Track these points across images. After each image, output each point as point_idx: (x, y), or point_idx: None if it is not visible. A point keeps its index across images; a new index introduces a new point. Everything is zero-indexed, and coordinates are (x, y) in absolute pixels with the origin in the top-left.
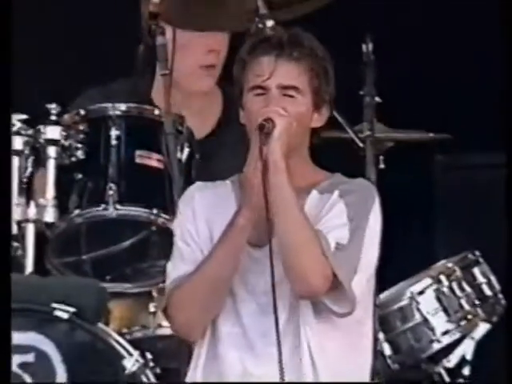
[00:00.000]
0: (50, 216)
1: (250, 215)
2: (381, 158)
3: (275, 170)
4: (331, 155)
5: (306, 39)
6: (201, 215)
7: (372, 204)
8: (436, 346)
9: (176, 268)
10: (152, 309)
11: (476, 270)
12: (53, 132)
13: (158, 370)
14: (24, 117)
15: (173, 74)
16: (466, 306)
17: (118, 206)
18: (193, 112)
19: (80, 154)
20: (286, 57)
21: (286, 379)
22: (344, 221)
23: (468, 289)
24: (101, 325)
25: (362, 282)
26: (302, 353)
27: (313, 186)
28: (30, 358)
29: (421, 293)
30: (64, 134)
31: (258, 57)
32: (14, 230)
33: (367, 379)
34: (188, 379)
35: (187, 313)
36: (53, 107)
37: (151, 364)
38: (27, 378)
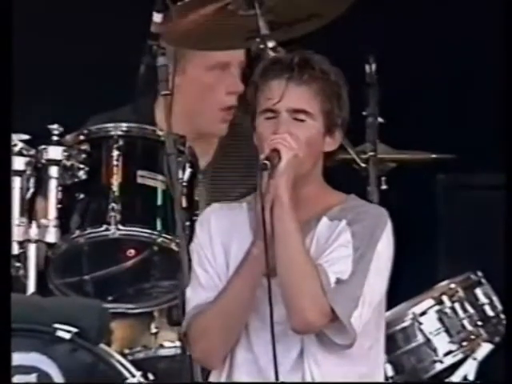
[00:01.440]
0: (51, 236)
1: (263, 245)
2: (383, 178)
3: (279, 203)
4: (333, 176)
5: (318, 62)
6: (217, 239)
7: (382, 232)
8: (438, 367)
9: (195, 294)
10: (154, 329)
11: (478, 291)
12: (54, 152)
13: None
14: (26, 137)
15: (190, 112)
16: (469, 327)
17: (120, 227)
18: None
19: (82, 174)
20: (296, 80)
21: None
22: (349, 252)
23: (470, 309)
24: (103, 345)
25: (364, 314)
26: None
27: (324, 212)
28: (32, 378)
29: (423, 313)
30: (66, 154)
31: (269, 80)
32: (16, 250)
33: None
34: None
35: (207, 341)
36: (54, 127)
37: None
38: None
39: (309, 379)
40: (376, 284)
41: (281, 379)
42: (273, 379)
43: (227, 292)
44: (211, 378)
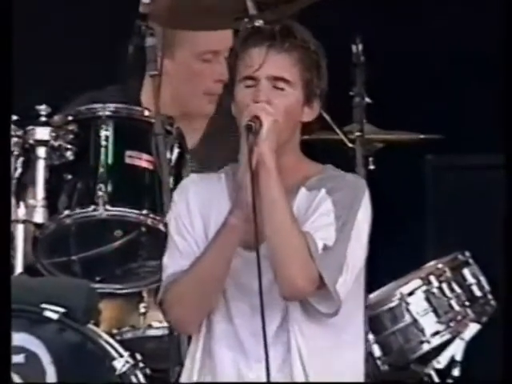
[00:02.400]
0: (39, 217)
1: (242, 215)
2: (370, 159)
3: (265, 169)
4: (320, 156)
5: (299, 31)
6: (195, 209)
7: (360, 201)
8: (426, 347)
9: (172, 262)
10: (142, 309)
11: (466, 271)
12: (42, 133)
13: (147, 371)
14: (14, 117)
15: (177, 94)
16: (456, 307)
17: (108, 207)
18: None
19: (69, 154)
20: (277, 48)
21: (278, 380)
22: (331, 220)
23: (458, 290)
24: (91, 325)
25: (348, 281)
26: (292, 352)
27: (302, 182)
28: (20, 358)
29: (410, 294)
30: (53, 134)
31: (250, 48)
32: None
33: (361, 377)
34: (184, 375)
35: (182, 309)
36: (42, 108)
37: (141, 365)
38: (17, 379)
39: (294, 348)
40: (357, 251)
41: (259, 349)
42: (254, 352)
43: (202, 260)
44: (190, 348)
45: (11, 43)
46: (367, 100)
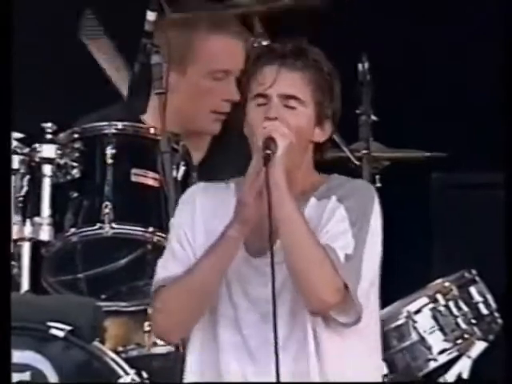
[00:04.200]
0: (45, 234)
1: (242, 229)
2: (377, 177)
3: (277, 190)
4: (328, 174)
5: (312, 52)
6: (199, 219)
7: (372, 205)
8: (433, 365)
9: (165, 267)
10: (147, 327)
11: (472, 289)
12: (48, 150)
13: None
14: (20, 135)
15: (183, 111)
16: (463, 325)
17: (114, 225)
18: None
19: (75, 172)
20: (288, 66)
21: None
22: (347, 226)
23: (465, 308)
24: (96, 343)
25: (366, 288)
26: (309, 360)
27: (311, 192)
28: (25, 376)
29: (417, 312)
30: (59, 152)
31: (262, 66)
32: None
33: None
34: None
35: (168, 315)
36: (48, 126)
37: (147, 382)
38: None
39: (312, 356)
40: (373, 257)
41: (269, 357)
42: (264, 361)
43: (195, 270)
44: (192, 366)
45: (16, 60)
46: (373, 117)
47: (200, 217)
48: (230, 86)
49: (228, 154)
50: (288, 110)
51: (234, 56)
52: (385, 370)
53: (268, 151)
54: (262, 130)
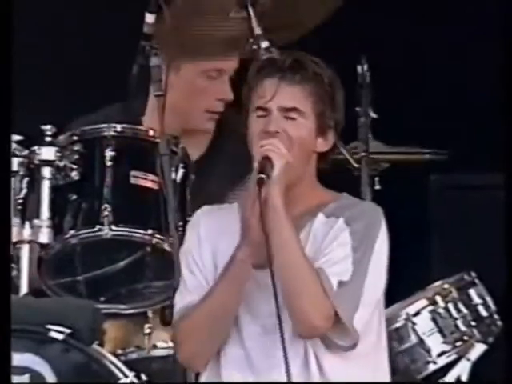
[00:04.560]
0: (44, 237)
1: (250, 251)
2: (376, 178)
3: (273, 211)
4: (327, 176)
5: (311, 64)
6: (206, 242)
7: (378, 231)
8: (432, 367)
9: (181, 297)
10: (147, 330)
11: (472, 291)
12: (47, 153)
13: None
14: (19, 138)
15: (178, 110)
16: (462, 327)
17: (113, 227)
18: (183, 135)
19: (75, 174)
20: (288, 80)
21: None
22: (348, 252)
23: (464, 310)
24: (95, 346)
25: (365, 315)
26: (312, 375)
27: (320, 208)
28: (25, 379)
29: (416, 314)
30: (59, 154)
31: (262, 79)
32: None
33: None
34: None
35: (192, 344)
36: (47, 128)
37: None
38: None
39: (306, 365)
40: (375, 283)
41: (271, 370)
42: (266, 374)
43: (212, 295)
44: (200, 377)
45: (16, 62)
46: (373, 115)
47: (206, 239)
48: (223, 86)
49: (224, 154)
50: (288, 121)
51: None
52: None
53: (262, 175)
54: (259, 148)
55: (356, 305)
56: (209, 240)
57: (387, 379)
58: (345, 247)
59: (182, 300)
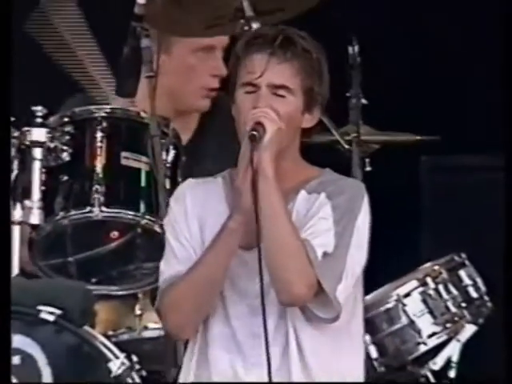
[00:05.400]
0: (35, 218)
1: (242, 219)
2: (367, 160)
3: (264, 177)
4: (317, 158)
5: (301, 40)
6: (192, 213)
7: (360, 205)
8: (422, 348)
9: (169, 267)
10: (138, 311)
11: (462, 273)
12: (38, 134)
13: (143, 373)
14: (10, 119)
15: (173, 91)
16: (453, 308)
17: (104, 208)
18: (176, 116)
19: (65, 155)
20: (278, 57)
21: (276, 380)
22: (330, 225)
23: (454, 291)
24: (87, 327)
25: (347, 287)
26: (291, 355)
27: (302, 185)
28: (15, 360)
29: (407, 295)
30: (49, 135)
31: (252, 54)
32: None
33: (361, 380)
34: (181, 380)
35: (179, 313)
36: (38, 109)
37: (137, 366)
38: (13, 380)
39: (292, 351)
40: (357, 257)
41: (257, 350)
42: (251, 354)
43: (200, 265)
44: (186, 355)
45: (10, 45)
46: (364, 101)
47: (192, 211)
48: (216, 62)
49: (215, 134)
50: (277, 98)
51: None
52: (374, 354)
53: (254, 132)
54: (251, 115)
55: (339, 276)
56: (195, 212)
57: (361, 358)
58: (327, 220)
59: (170, 269)
